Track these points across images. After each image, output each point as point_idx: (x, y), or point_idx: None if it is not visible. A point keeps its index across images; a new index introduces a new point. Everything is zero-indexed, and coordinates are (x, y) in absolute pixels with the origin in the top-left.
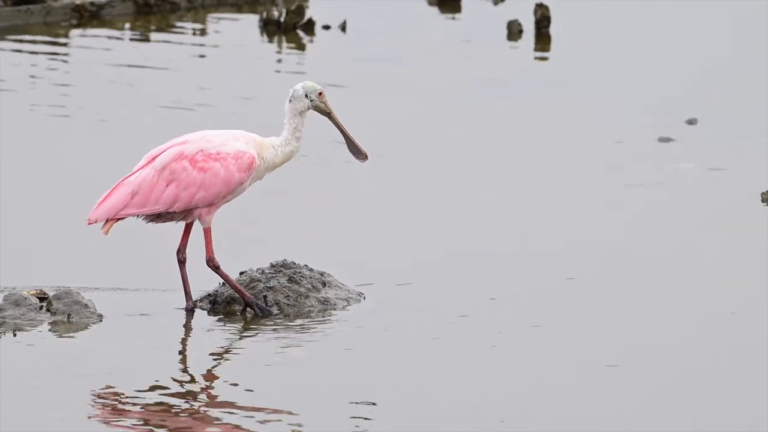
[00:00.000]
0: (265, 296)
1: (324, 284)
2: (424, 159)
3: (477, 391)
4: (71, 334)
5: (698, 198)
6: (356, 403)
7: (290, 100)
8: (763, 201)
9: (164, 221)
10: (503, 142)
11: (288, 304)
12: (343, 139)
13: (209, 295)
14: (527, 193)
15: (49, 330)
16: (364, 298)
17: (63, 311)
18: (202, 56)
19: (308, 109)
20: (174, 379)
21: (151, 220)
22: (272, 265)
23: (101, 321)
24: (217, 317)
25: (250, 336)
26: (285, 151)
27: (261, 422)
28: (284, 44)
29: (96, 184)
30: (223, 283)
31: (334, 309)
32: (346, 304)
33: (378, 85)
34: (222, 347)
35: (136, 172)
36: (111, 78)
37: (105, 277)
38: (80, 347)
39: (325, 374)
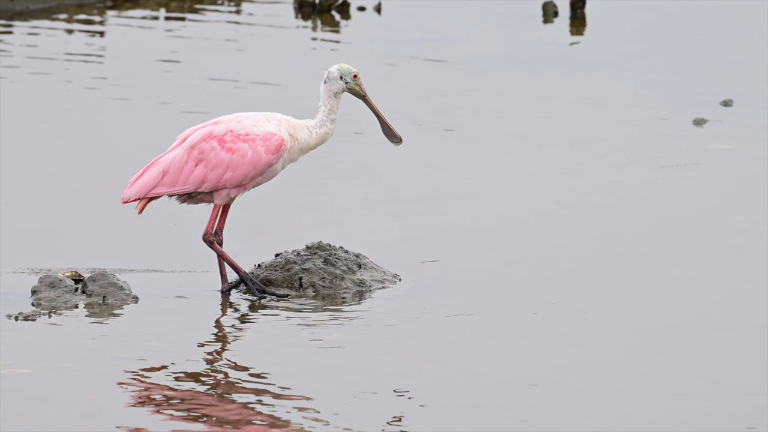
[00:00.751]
0: (300, 278)
1: (359, 266)
2: (461, 136)
3: (514, 373)
4: (106, 316)
5: (733, 179)
6: (395, 391)
7: (325, 82)
8: None
9: (196, 202)
10: (537, 121)
11: (323, 286)
12: (377, 122)
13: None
14: (560, 172)
15: (85, 312)
16: (400, 279)
17: (98, 293)
18: (235, 40)
19: (343, 91)
20: (208, 362)
21: (184, 201)
22: (307, 247)
23: (137, 303)
24: (253, 300)
25: (286, 319)
26: (320, 133)
27: (297, 409)
28: (319, 26)
29: (132, 163)
30: (259, 265)
31: (370, 291)
32: (381, 286)
33: (414, 65)
34: (258, 331)
35: (168, 152)
36: (147, 58)
37: (140, 259)
38: (115, 329)
39: (361, 359)
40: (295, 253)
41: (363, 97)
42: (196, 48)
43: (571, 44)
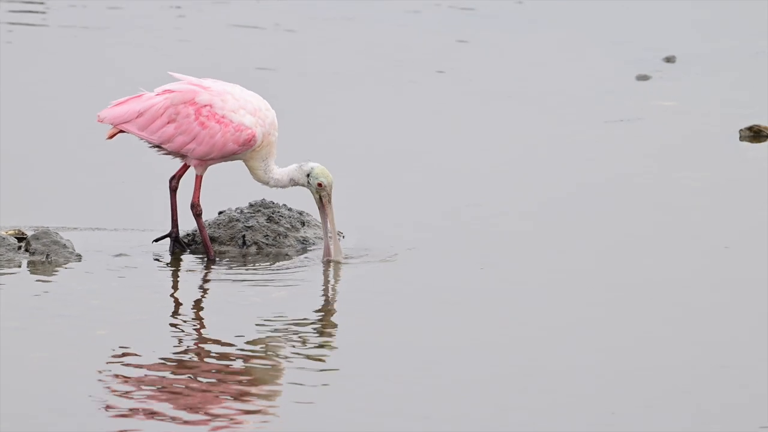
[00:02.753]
0: (243, 236)
1: (303, 223)
2: (411, 91)
3: (445, 333)
4: (50, 275)
5: (677, 134)
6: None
7: (298, 165)
8: (741, 138)
9: (163, 153)
10: (483, 79)
11: (267, 244)
12: (321, 224)
13: (188, 235)
14: (505, 127)
15: (28, 270)
16: (343, 236)
17: (42, 251)
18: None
19: (301, 185)
20: (153, 319)
21: (153, 148)
22: (251, 205)
23: (80, 261)
24: (198, 258)
25: (230, 276)
26: (258, 170)
27: (239, 359)
28: None
29: (77, 122)
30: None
31: (313, 248)
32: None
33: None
34: (202, 288)
35: (155, 94)
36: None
37: (84, 217)
38: (59, 287)
39: (304, 315)
40: (239, 211)
41: (319, 208)
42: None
43: (518, 2)
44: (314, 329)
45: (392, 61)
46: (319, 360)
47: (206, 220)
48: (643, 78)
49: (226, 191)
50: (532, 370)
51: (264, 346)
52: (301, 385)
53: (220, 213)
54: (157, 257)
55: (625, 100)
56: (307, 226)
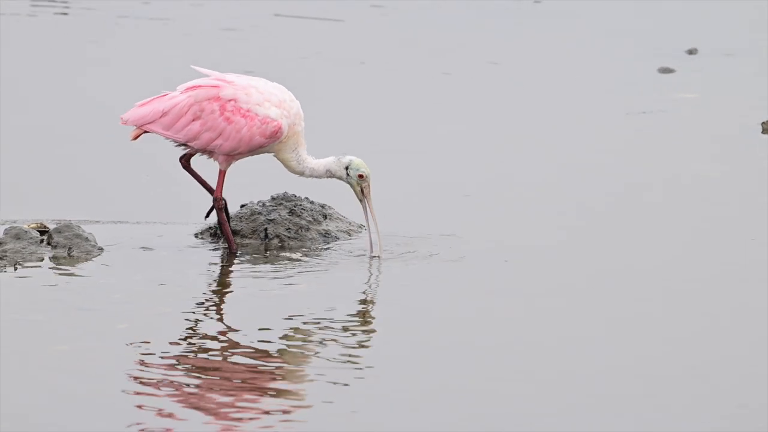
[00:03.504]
0: (266, 229)
1: (325, 216)
2: (420, 91)
3: (472, 326)
4: (72, 268)
5: (699, 127)
6: (354, 333)
7: (336, 157)
8: (763, 131)
9: (190, 152)
10: (501, 72)
11: (289, 237)
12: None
13: (210, 228)
14: (526, 119)
15: (50, 264)
16: (365, 230)
17: (64, 245)
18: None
19: (339, 178)
20: (177, 312)
21: (179, 146)
22: (273, 198)
23: (102, 254)
24: (218, 250)
25: (252, 270)
26: (291, 161)
27: (263, 354)
28: None
29: (101, 114)
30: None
31: (336, 241)
32: (347, 236)
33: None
34: (225, 281)
35: (178, 92)
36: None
37: (106, 210)
38: (81, 281)
39: (326, 307)
40: (261, 204)
41: (360, 200)
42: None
43: (536, 1)
44: (342, 326)
45: (412, 53)
46: (350, 359)
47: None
48: (665, 71)
49: (249, 183)
50: (568, 371)
51: (289, 341)
52: (333, 383)
53: (242, 206)
54: (181, 249)
55: (648, 92)
56: (330, 219)
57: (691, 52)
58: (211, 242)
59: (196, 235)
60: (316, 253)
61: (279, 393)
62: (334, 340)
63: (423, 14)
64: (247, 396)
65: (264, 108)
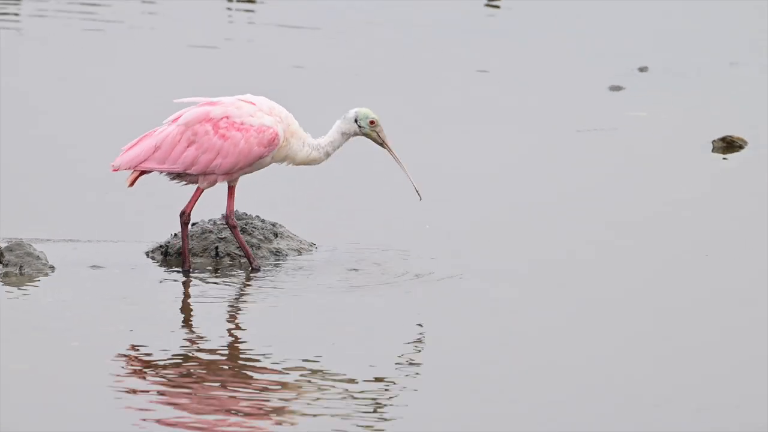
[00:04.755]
0: (216, 247)
1: (276, 235)
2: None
3: (429, 337)
4: (24, 286)
5: (650, 145)
6: (305, 360)
7: (341, 119)
8: (713, 149)
9: (188, 182)
10: (454, 87)
11: (240, 255)
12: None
13: (161, 246)
14: (477, 134)
15: (1, 282)
16: (316, 248)
17: (15, 263)
18: (151, 13)
19: (354, 133)
20: (128, 330)
21: (173, 179)
22: (223, 216)
23: (53, 272)
24: (169, 269)
25: (202, 287)
26: (310, 154)
27: (214, 368)
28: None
29: (49, 134)
30: (175, 235)
31: (286, 259)
32: (297, 254)
33: (341, 29)
34: (174, 299)
35: (164, 125)
36: (60, 30)
37: (57, 229)
38: (33, 299)
39: (276, 324)
40: (212, 222)
41: (381, 144)
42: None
43: (488, 10)
44: (293, 343)
45: (366, 75)
46: (303, 377)
47: (178, 232)
48: (616, 89)
49: (200, 202)
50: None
51: (239, 360)
52: (283, 401)
53: (193, 224)
54: (132, 267)
55: (598, 110)
56: (281, 237)
57: (642, 70)
58: (162, 260)
59: (147, 254)
60: (267, 271)
61: (236, 409)
62: (277, 360)
63: (371, 32)
64: (202, 414)
65: (257, 118)
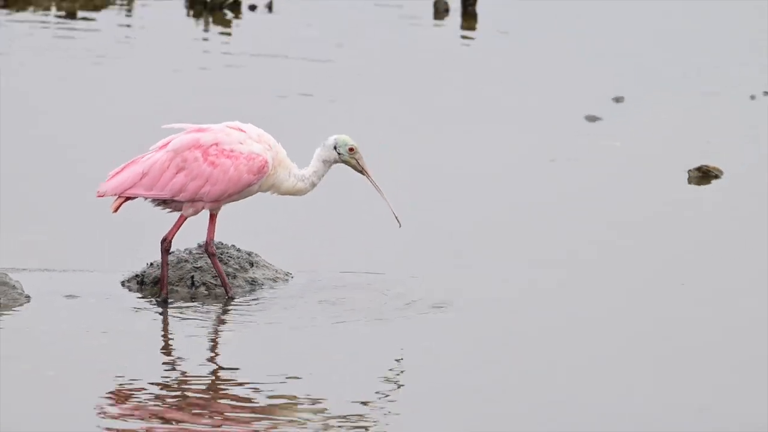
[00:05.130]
0: (192, 276)
1: (251, 264)
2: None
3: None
4: None
5: (626, 175)
6: (284, 380)
7: (320, 146)
8: (689, 178)
9: (173, 209)
10: (424, 120)
11: (216, 284)
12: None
13: (137, 275)
14: (454, 169)
15: None
16: (292, 277)
17: None
18: (128, 37)
19: (335, 161)
20: (104, 360)
21: (159, 205)
22: (199, 246)
23: (29, 302)
24: (146, 298)
25: (179, 316)
26: (295, 185)
27: (193, 399)
28: (210, 24)
29: (27, 160)
30: (151, 264)
31: (262, 288)
32: (273, 283)
33: (303, 64)
34: (150, 328)
35: (152, 152)
36: (36, 62)
37: (33, 258)
38: (8, 329)
39: (253, 354)
40: (187, 252)
41: (361, 172)
42: (86, 48)
43: (462, 41)
44: (267, 374)
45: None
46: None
47: (155, 261)
48: (592, 119)
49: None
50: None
51: (214, 386)
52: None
53: (168, 254)
54: (107, 297)
55: (574, 139)
56: (256, 266)
57: (618, 100)
58: (137, 290)
59: (122, 283)
60: (241, 301)
61: None
62: (257, 389)
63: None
64: None
65: (247, 145)
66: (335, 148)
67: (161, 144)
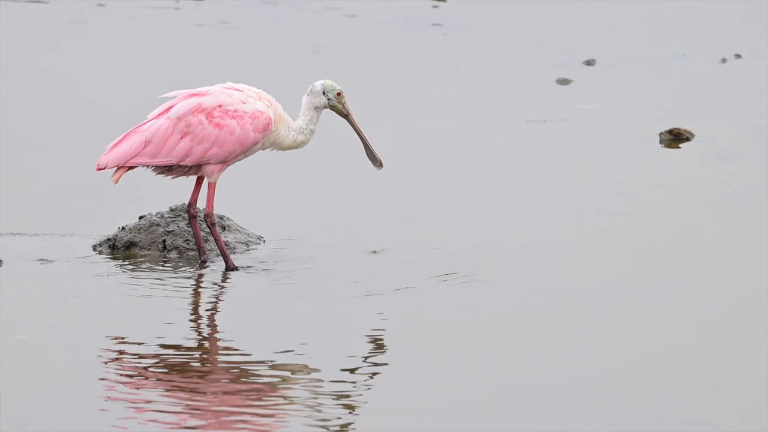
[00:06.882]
0: (164, 240)
1: (223, 228)
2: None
3: (360, 327)
4: None
5: (597, 138)
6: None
7: (308, 94)
8: (661, 141)
9: (175, 175)
10: (396, 85)
11: (187, 248)
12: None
13: (108, 239)
14: (428, 135)
15: None
16: (264, 241)
17: None
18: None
19: (324, 106)
20: (76, 323)
21: (161, 173)
22: (171, 209)
23: (1, 266)
24: (118, 262)
25: (150, 280)
26: (297, 139)
27: (161, 362)
28: None
29: (6, 128)
30: (122, 228)
31: (234, 252)
32: (245, 248)
33: (278, 28)
34: (122, 292)
35: (151, 120)
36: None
37: (5, 222)
38: None
39: (224, 319)
40: (159, 216)
41: (346, 116)
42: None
43: (434, 6)
44: (225, 334)
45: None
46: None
47: (127, 225)
48: (563, 82)
49: (150, 195)
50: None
51: (187, 347)
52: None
53: (140, 217)
54: (79, 261)
55: (546, 103)
56: (228, 230)
57: (589, 63)
58: (109, 254)
59: (94, 247)
60: (213, 264)
61: (185, 398)
62: (230, 348)
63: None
64: (147, 404)
65: (250, 104)
66: (324, 93)
67: (159, 111)
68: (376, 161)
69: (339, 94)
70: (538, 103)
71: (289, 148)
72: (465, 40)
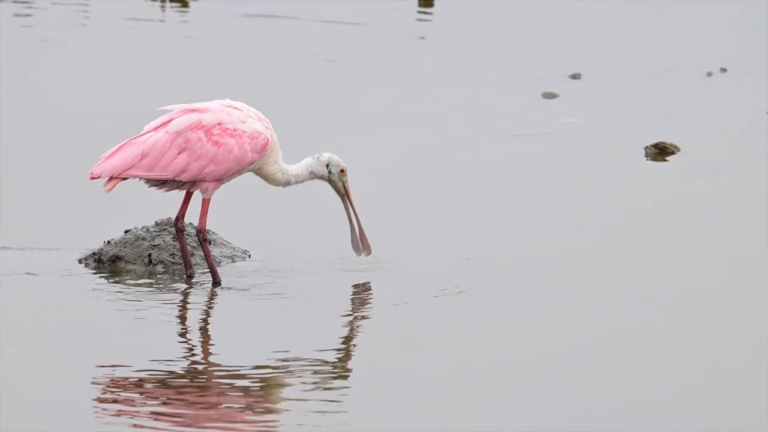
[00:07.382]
0: (150, 254)
1: (210, 242)
2: (312, 116)
3: (357, 345)
4: None
5: (583, 152)
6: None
7: (312, 157)
8: (646, 154)
9: (169, 188)
10: (384, 97)
11: (173, 262)
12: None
13: (94, 253)
14: (413, 147)
15: None
16: (250, 256)
17: None
18: (86, 18)
19: (321, 177)
20: (62, 338)
21: (155, 186)
22: (157, 224)
23: None
24: (103, 276)
25: (136, 295)
26: (275, 173)
27: (149, 377)
28: (168, 2)
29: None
30: (108, 242)
31: (219, 266)
32: (230, 261)
33: (265, 41)
34: (108, 307)
35: (148, 132)
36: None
37: None
38: None
39: (211, 332)
40: (145, 230)
41: (343, 195)
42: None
43: (421, 16)
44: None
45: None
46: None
47: (113, 239)
48: (549, 96)
49: (134, 208)
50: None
51: (171, 363)
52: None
53: (126, 231)
54: (65, 274)
55: (532, 117)
56: (214, 244)
57: (575, 77)
58: (94, 268)
59: (80, 261)
60: (199, 279)
61: (171, 411)
62: (217, 362)
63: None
64: (133, 417)
65: (248, 124)
66: (327, 165)
67: (157, 124)
68: (364, 249)
69: (342, 171)
70: (524, 117)
71: (265, 177)
72: (451, 53)
